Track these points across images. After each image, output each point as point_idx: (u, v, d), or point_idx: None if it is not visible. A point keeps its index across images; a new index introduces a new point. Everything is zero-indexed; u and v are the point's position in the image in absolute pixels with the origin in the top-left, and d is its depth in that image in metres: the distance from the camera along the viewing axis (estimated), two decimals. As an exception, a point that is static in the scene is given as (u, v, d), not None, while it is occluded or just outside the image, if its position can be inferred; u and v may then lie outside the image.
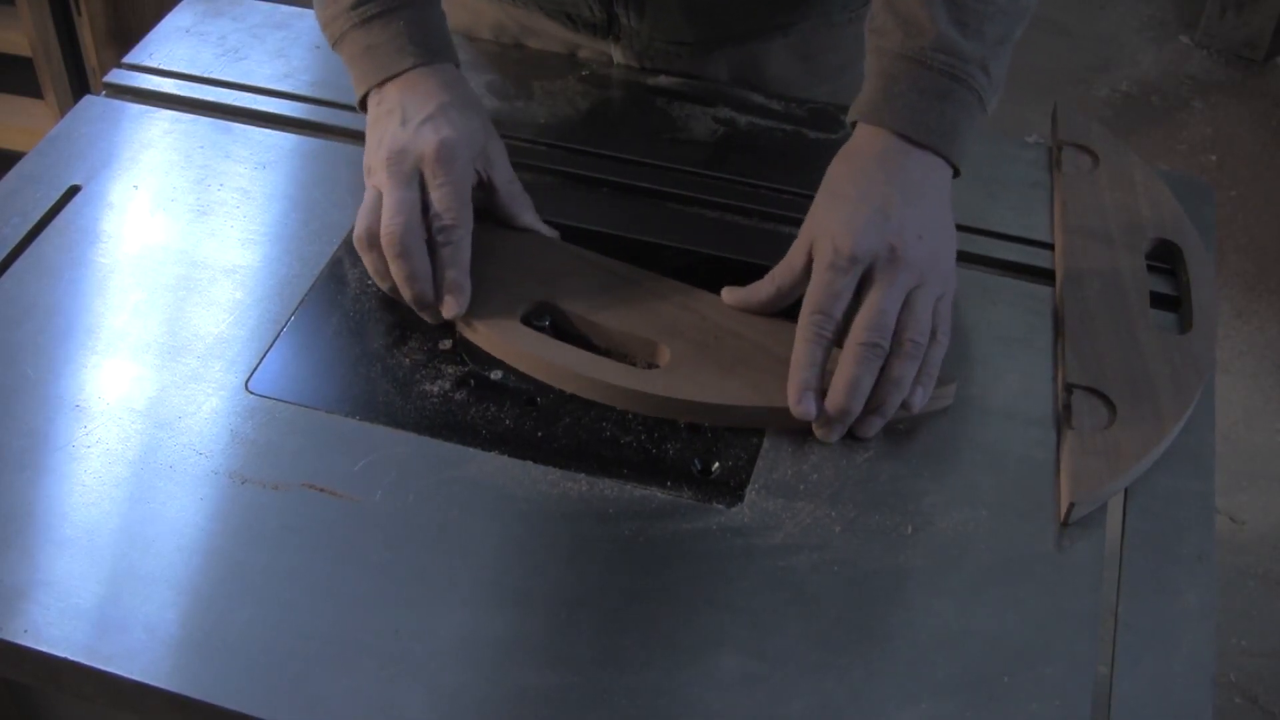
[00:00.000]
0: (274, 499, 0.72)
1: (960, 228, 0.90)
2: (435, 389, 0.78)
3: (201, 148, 0.95)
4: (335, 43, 0.89)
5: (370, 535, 0.70)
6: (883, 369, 0.75)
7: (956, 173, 0.82)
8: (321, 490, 0.72)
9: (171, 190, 0.91)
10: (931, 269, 0.78)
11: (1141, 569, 0.71)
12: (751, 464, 0.75)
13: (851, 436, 0.77)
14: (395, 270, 0.80)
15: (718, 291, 0.82)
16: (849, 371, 0.74)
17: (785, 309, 0.80)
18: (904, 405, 0.76)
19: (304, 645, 0.65)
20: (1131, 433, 0.75)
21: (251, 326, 0.82)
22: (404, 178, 0.81)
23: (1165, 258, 0.88)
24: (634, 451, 0.75)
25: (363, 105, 0.88)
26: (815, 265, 0.77)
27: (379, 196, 0.81)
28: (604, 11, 0.99)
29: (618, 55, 1.04)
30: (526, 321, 0.81)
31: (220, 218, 0.89)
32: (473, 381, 0.79)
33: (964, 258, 0.89)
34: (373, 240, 0.81)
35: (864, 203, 0.78)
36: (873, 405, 0.76)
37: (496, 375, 0.79)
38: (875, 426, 0.76)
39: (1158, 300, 0.85)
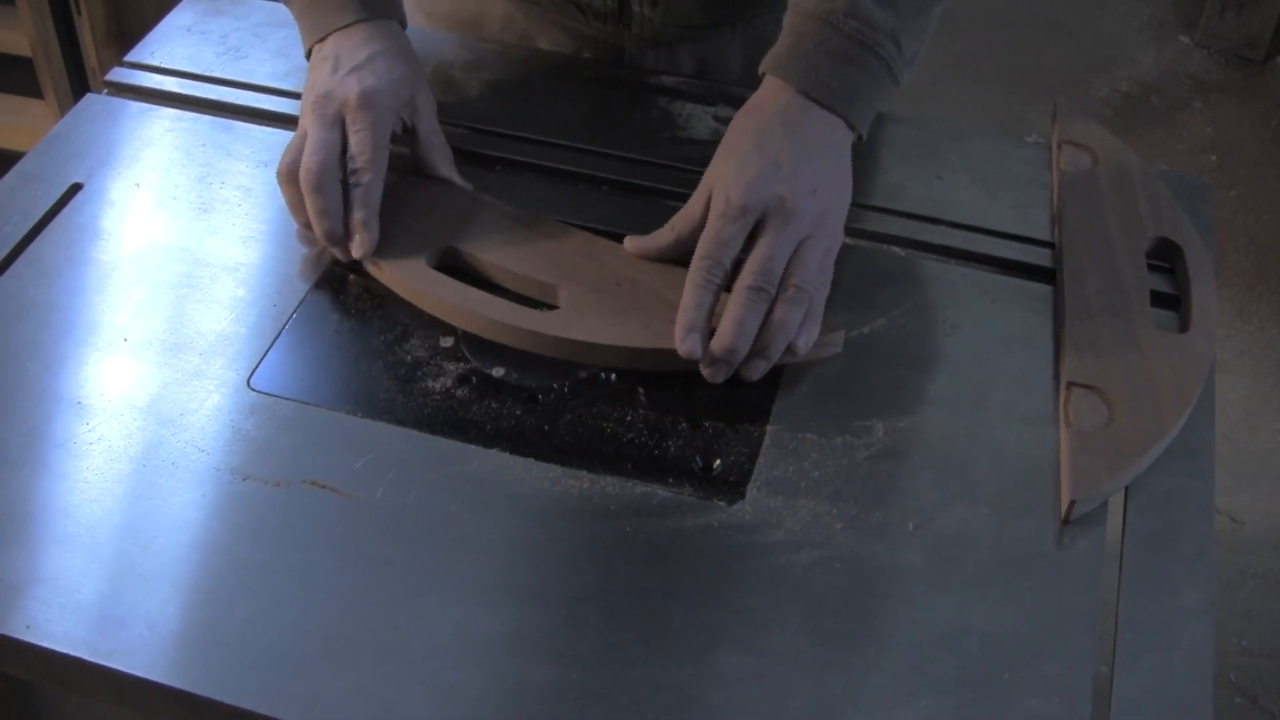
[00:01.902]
0: (275, 496, 0.72)
1: (960, 226, 0.91)
2: (437, 386, 0.79)
3: (203, 145, 0.95)
4: None
5: (371, 532, 0.70)
6: (768, 313, 0.77)
7: (861, 139, 0.85)
8: (323, 487, 0.73)
9: (173, 188, 0.91)
10: (821, 223, 0.80)
11: (1142, 567, 0.71)
12: (753, 461, 0.75)
13: (738, 380, 0.78)
14: (309, 205, 0.83)
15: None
16: (734, 313, 0.77)
17: (684, 258, 0.82)
18: (790, 349, 0.78)
19: (304, 641, 0.66)
20: (1132, 431, 0.75)
21: (253, 324, 0.82)
22: (327, 120, 0.84)
23: (1165, 256, 0.88)
24: (635, 448, 0.76)
25: (309, 57, 0.91)
26: (710, 214, 0.80)
27: (304, 136, 0.85)
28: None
29: (628, 43, 1.04)
30: (435, 265, 0.84)
31: (222, 215, 0.89)
32: (474, 379, 0.79)
33: (964, 256, 0.89)
34: (292, 176, 0.84)
35: (759, 155, 0.80)
36: (758, 347, 0.78)
37: (498, 372, 0.80)
38: (760, 369, 0.78)
39: (1158, 299, 0.85)
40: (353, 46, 0.88)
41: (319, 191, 0.83)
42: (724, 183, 0.80)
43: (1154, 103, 2.65)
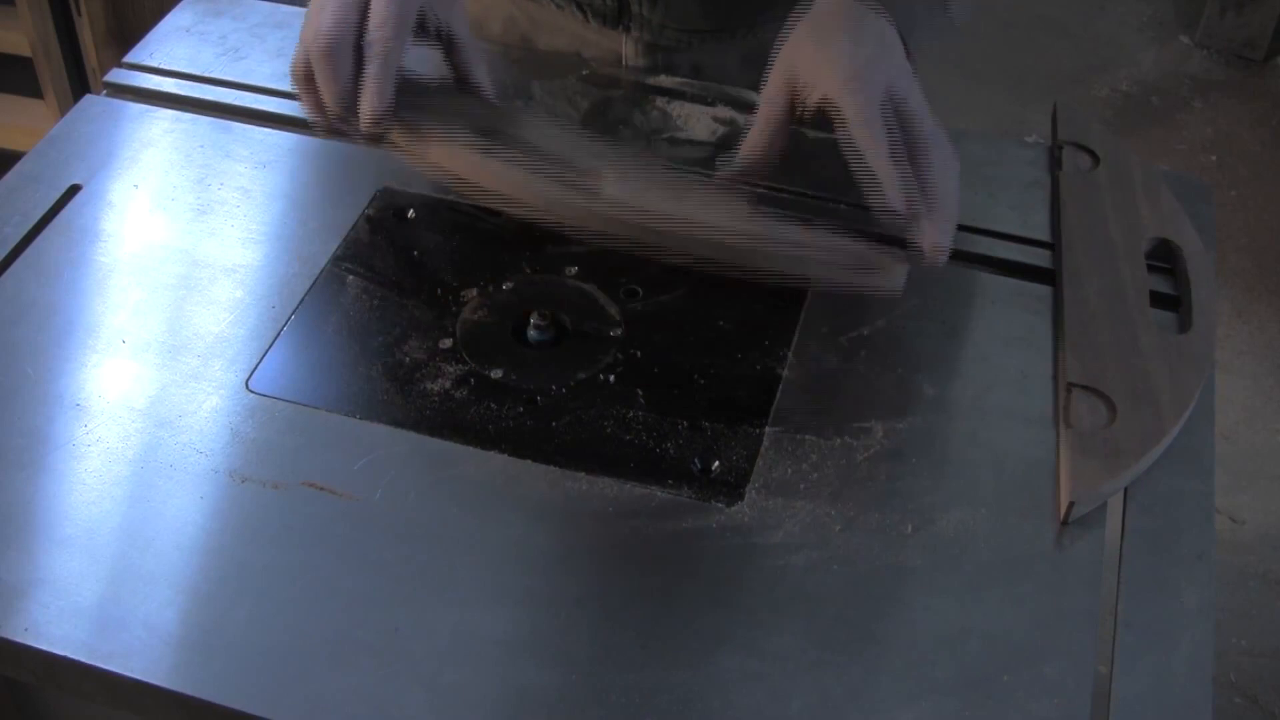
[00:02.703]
0: (274, 498, 0.72)
1: (960, 227, 0.90)
2: (435, 388, 0.78)
3: (201, 147, 0.95)
4: None
5: (370, 534, 0.70)
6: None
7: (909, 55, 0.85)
8: (321, 489, 0.73)
9: (172, 189, 0.91)
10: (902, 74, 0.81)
11: (1141, 568, 0.71)
12: (751, 463, 0.75)
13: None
14: (318, 72, 0.78)
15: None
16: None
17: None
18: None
19: (303, 643, 0.66)
20: (1131, 432, 0.75)
21: (252, 325, 0.82)
22: None
23: (1165, 257, 0.88)
24: (634, 450, 0.75)
25: None
26: (847, 121, 0.79)
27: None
28: (615, 0, 1.00)
29: (628, 46, 1.04)
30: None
31: (220, 217, 0.89)
32: (473, 380, 0.79)
33: (964, 257, 0.89)
34: (306, 70, 0.80)
35: (849, 41, 0.80)
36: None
37: (496, 374, 0.79)
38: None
39: (1157, 300, 0.85)
40: None
41: (329, 54, 0.77)
42: (833, 79, 0.79)
43: (1154, 103, 2.65)
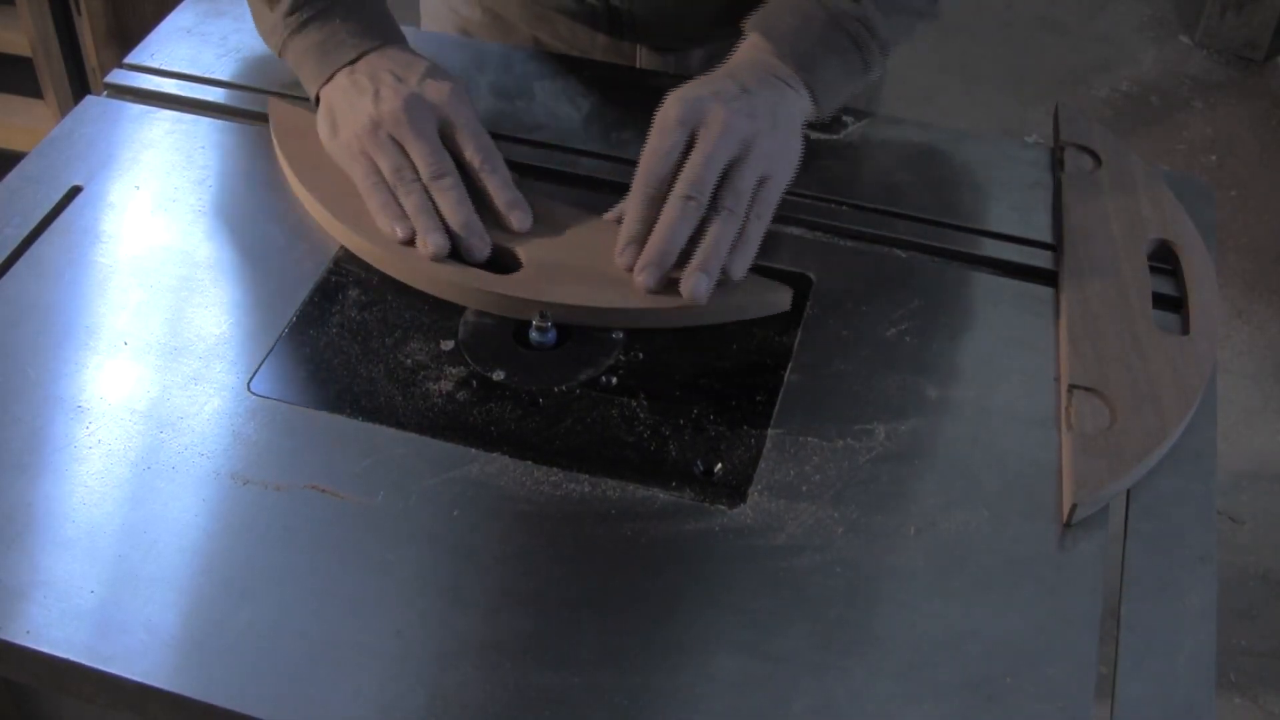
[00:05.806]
0: (276, 500, 0.72)
1: (961, 229, 0.91)
2: (437, 389, 0.78)
3: (203, 148, 0.95)
4: (280, 51, 0.92)
5: (372, 536, 0.70)
6: (701, 230, 0.80)
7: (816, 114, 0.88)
8: (323, 491, 0.72)
9: (173, 190, 0.91)
10: (752, 149, 0.81)
11: (1143, 570, 0.71)
12: (754, 465, 0.75)
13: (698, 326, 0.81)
14: (446, 201, 0.83)
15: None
16: (665, 218, 0.80)
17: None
18: (724, 271, 0.80)
19: (305, 646, 0.65)
20: (1133, 434, 0.75)
21: (253, 327, 0.82)
22: (425, 126, 0.85)
23: (1166, 258, 0.88)
24: (636, 452, 0.75)
25: (318, 101, 0.90)
26: (650, 132, 0.83)
27: (398, 150, 0.85)
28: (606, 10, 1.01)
29: (641, 53, 1.06)
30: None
31: (221, 218, 0.89)
32: (475, 382, 0.79)
33: (965, 259, 0.89)
34: (407, 184, 0.84)
35: (702, 83, 0.84)
36: (694, 263, 0.79)
37: (499, 375, 0.79)
38: (701, 284, 0.79)
39: (1159, 301, 0.85)
40: (404, 63, 0.88)
41: (455, 188, 0.84)
42: (664, 102, 0.83)
43: (1154, 103, 2.65)
